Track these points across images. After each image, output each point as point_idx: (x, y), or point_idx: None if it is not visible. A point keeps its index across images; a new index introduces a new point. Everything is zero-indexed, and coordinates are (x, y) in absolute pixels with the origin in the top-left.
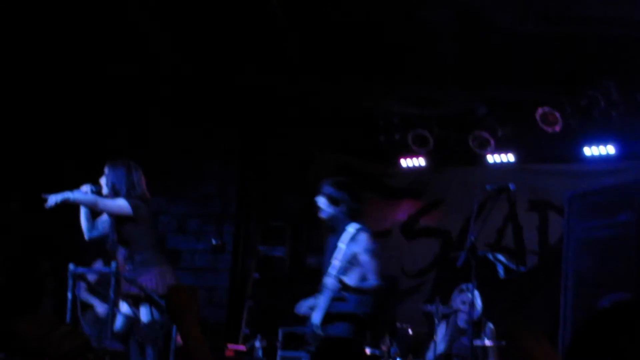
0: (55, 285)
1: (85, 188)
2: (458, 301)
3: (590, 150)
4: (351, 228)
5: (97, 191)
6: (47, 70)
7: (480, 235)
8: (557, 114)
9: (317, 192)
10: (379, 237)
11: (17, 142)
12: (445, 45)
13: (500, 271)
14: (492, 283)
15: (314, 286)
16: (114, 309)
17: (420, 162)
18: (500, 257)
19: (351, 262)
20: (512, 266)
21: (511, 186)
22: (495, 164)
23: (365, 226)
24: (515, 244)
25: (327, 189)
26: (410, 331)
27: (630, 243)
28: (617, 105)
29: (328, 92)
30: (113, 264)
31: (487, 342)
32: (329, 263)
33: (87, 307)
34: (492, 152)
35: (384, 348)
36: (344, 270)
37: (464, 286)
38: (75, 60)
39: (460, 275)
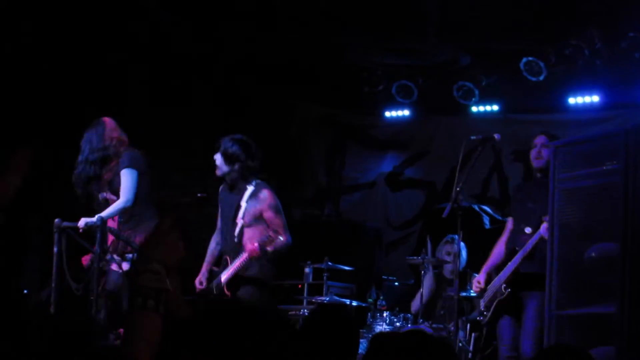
0: (42, 240)
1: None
2: (443, 252)
3: (575, 100)
4: (250, 186)
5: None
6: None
7: (465, 186)
8: (541, 64)
9: (299, 144)
10: (364, 188)
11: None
12: None
13: (486, 222)
14: (477, 234)
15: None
16: (99, 263)
17: (404, 113)
18: (486, 208)
19: (256, 219)
20: (498, 217)
21: (496, 136)
22: (479, 114)
23: (265, 182)
24: (500, 194)
25: (223, 146)
26: (396, 283)
27: (615, 192)
28: (601, 54)
29: (310, 44)
30: (98, 217)
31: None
32: (229, 222)
33: None
34: (477, 103)
35: (370, 300)
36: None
37: (449, 237)
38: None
39: (446, 226)
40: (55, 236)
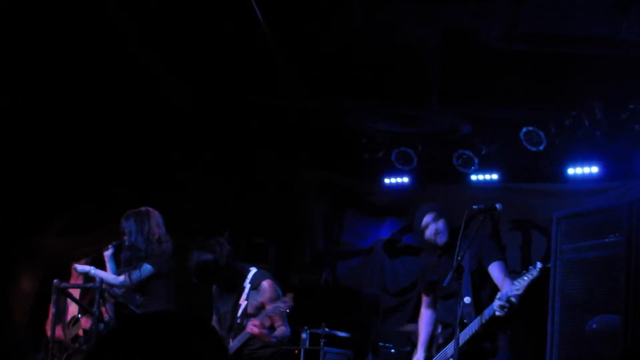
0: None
1: (109, 251)
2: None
3: (574, 170)
4: (247, 280)
5: (118, 245)
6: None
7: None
8: (541, 134)
9: (298, 209)
10: (361, 254)
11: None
12: (430, 64)
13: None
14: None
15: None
16: (98, 325)
17: (403, 180)
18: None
19: (258, 310)
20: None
21: (498, 206)
22: (479, 182)
23: (264, 270)
24: None
25: (192, 263)
26: (392, 350)
27: (618, 264)
28: (601, 125)
29: (312, 109)
30: (98, 279)
31: None
32: (228, 318)
33: None
34: (476, 171)
35: None
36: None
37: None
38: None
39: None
40: (53, 297)
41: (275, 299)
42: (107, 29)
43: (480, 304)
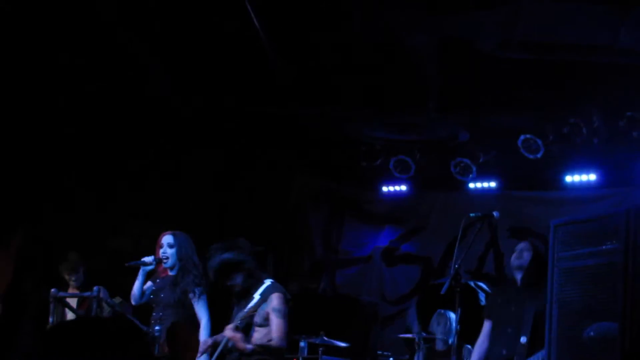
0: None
1: (148, 259)
2: (435, 326)
3: (572, 178)
4: (259, 290)
5: (158, 261)
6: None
7: (462, 263)
8: (539, 141)
9: (296, 217)
10: (360, 262)
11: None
12: (428, 72)
13: (482, 298)
14: (473, 310)
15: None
16: None
17: (401, 188)
18: (482, 285)
19: (266, 320)
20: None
21: (495, 214)
22: (476, 190)
23: (277, 284)
24: (496, 270)
25: (214, 262)
26: (391, 358)
27: (615, 272)
28: (599, 132)
29: (310, 118)
30: (95, 288)
31: None
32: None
33: None
34: (474, 179)
35: None
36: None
37: (441, 311)
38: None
39: (442, 302)
40: (51, 306)
41: (278, 310)
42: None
43: (534, 347)
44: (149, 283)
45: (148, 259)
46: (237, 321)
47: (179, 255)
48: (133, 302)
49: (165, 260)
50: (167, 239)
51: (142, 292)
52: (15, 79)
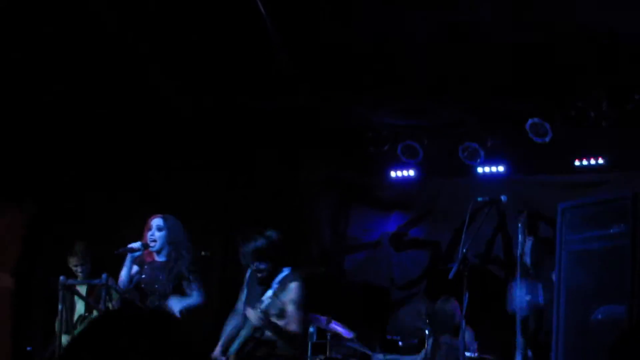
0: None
1: (136, 245)
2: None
3: (580, 161)
4: (278, 278)
5: (145, 246)
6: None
7: (470, 247)
8: (547, 125)
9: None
10: (368, 248)
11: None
12: (434, 57)
13: (490, 282)
14: (481, 294)
15: None
16: None
17: (409, 173)
18: (490, 268)
19: (281, 311)
20: (502, 277)
21: (503, 198)
22: (485, 175)
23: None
24: (504, 254)
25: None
26: (400, 343)
27: (623, 255)
28: (607, 116)
29: (317, 104)
30: (104, 276)
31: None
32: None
33: None
34: (482, 163)
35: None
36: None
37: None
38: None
39: (450, 286)
40: (60, 294)
41: (295, 301)
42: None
43: None
44: (135, 268)
45: (136, 245)
46: (259, 304)
47: (169, 239)
48: (122, 287)
49: (152, 244)
50: (156, 221)
51: (130, 278)
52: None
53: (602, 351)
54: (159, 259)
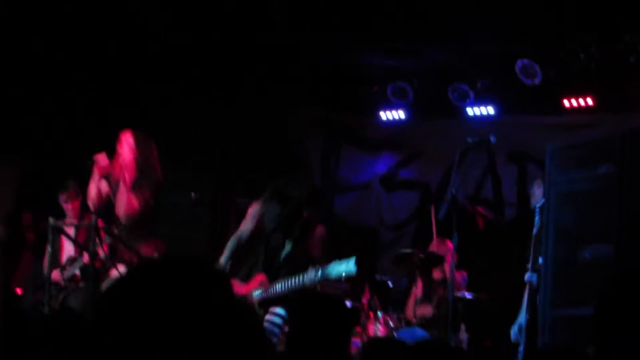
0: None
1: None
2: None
3: (569, 102)
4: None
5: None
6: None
7: (459, 188)
8: (537, 67)
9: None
10: (358, 189)
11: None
12: None
13: (480, 223)
14: (471, 235)
15: None
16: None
17: (399, 114)
18: (479, 209)
19: None
20: (491, 218)
21: (492, 138)
22: (474, 116)
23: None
24: (494, 195)
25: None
26: (390, 283)
27: (610, 195)
28: (596, 57)
29: (307, 45)
30: (93, 217)
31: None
32: None
33: None
34: (472, 105)
35: (364, 301)
36: None
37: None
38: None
39: (440, 227)
40: (49, 235)
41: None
42: None
43: None
44: (103, 182)
45: (100, 156)
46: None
47: (135, 155)
48: (92, 209)
49: (122, 156)
50: (126, 136)
51: (100, 196)
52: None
53: (590, 290)
54: (127, 176)
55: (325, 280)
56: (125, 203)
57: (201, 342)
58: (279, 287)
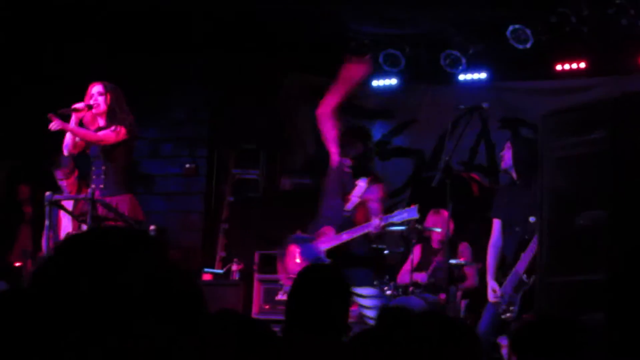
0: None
1: (79, 105)
2: (431, 222)
3: (562, 67)
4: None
5: (89, 107)
6: None
7: (453, 154)
8: (528, 31)
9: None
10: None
11: None
12: None
13: (474, 190)
14: (465, 201)
15: (287, 208)
16: None
17: (391, 82)
18: (474, 176)
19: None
20: (486, 184)
21: (485, 105)
22: (466, 82)
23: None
24: (487, 162)
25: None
26: (386, 251)
27: (604, 160)
28: (588, 21)
29: (297, 13)
30: (89, 190)
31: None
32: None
33: None
34: (464, 71)
35: None
36: None
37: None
38: None
39: (434, 194)
40: (47, 209)
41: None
42: None
43: None
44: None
45: (79, 105)
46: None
47: (108, 102)
48: (66, 153)
49: (96, 106)
50: (96, 87)
51: (74, 142)
52: None
53: (586, 255)
54: (102, 122)
55: (390, 225)
56: (100, 139)
57: (127, 306)
58: (345, 236)
